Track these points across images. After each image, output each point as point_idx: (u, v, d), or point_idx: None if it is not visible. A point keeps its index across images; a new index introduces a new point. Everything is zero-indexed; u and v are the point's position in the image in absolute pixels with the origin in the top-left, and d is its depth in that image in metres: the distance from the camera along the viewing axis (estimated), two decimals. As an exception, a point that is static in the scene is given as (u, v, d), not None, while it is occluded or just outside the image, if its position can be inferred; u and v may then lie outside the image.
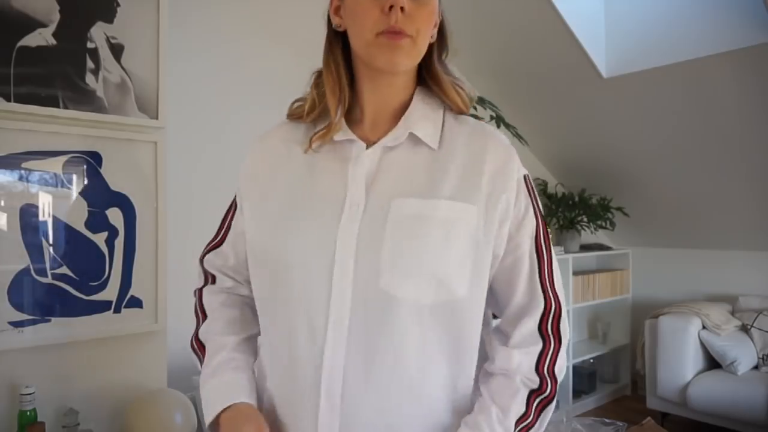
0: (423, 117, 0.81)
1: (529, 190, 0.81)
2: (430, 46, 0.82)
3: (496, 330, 0.84)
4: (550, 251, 0.82)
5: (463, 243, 0.74)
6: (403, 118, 0.80)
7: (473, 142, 0.81)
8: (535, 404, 0.76)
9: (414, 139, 0.79)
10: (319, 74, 0.85)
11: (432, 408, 0.76)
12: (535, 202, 0.82)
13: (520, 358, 0.77)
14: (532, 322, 0.78)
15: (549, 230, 3.28)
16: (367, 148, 0.79)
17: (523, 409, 0.75)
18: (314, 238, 0.75)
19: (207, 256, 0.97)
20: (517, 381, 0.76)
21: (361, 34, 0.76)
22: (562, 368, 0.79)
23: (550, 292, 0.80)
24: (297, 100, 0.89)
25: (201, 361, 0.89)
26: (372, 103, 0.81)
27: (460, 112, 0.84)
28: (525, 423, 0.75)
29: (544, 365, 0.76)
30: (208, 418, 0.79)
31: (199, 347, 0.90)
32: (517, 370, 0.76)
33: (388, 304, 0.72)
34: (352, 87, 0.82)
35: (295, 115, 0.87)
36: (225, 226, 0.95)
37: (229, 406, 0.78)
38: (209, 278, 0.97)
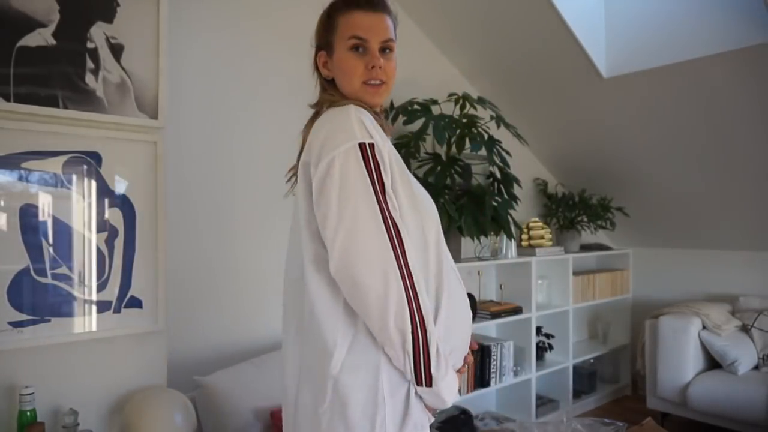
0: None
1: None
2: None
3: None
4: None
5: None
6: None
7: None
8: None
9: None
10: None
11: None
12: None
13: None
14: None
15: (550, 230, 3.28)
16: None
17: None
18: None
19: (411, 263, 0.96)
20: None
21: (351, 83, 1.07)
22: None
23: None
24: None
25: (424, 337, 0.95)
26: None
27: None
28: None
29: None
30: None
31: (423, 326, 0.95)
32: None
33: None
34: None
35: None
36: (391, 217, 0.97)
37: None
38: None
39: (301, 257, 1.01)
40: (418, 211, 1.03)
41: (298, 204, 1.03)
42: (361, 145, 0.96)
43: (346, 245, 0.92)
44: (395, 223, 0.95)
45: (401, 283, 0.91)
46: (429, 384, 0.94)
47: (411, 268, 0.94)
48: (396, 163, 1.02)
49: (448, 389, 0.97)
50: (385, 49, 1.07)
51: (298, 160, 1.09)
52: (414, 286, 0.93)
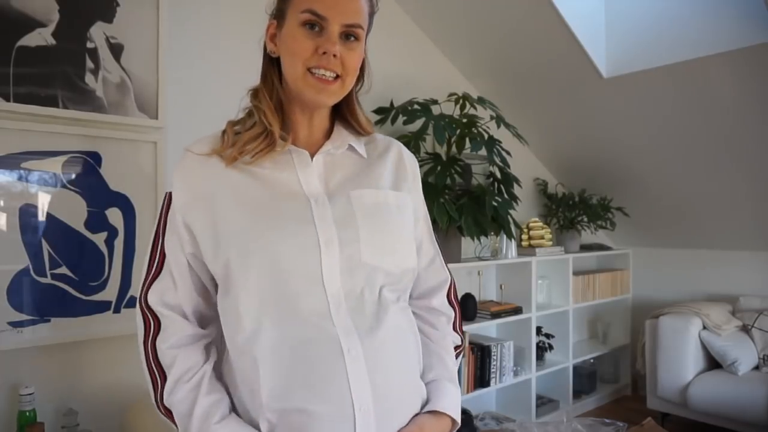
0: (349, 136, 0.95)
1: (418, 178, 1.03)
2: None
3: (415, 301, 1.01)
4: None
5: (409, 224, 0.95)
6: (335, 133, 0.94)
7: (388, 150, 0.99)
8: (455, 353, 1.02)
9: (350, 149, 0.95)
10: (254, 93, 0.94)
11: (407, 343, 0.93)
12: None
13: (449, 325, 1.01)
14: (443, 295, 1.01)
15: (550, 230, 3.28)
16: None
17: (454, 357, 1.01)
18: (296, 231, 0.83)
19: (152, 292, 0.95)
20: (449, 341, 1.00)
21: (293, 67, 0.85)
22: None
23: (448, 268, 1.04)
24: (236, 123, 0.96)
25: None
26: (304, 125, 0.92)
27: (366, 134, 0.99)
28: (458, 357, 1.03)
29: (456, 327, 1.03)
30: None
31: (167, 413, 0.90)
32: (449, 333, 1.00)
33: (373, 272, 0.85)
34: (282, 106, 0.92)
35: (245, 139, 0.91)
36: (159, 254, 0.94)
37: None
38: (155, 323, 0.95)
39: None
40: (247, 257, 0.82)
41: None
42: (166, 194, 0.97)
43: None
44: (158, 269, 0.93)
45: (142, 342, 0.95)
46: None
47: (161, 322, 0.93)
48: (222, 202, 0.86)
49: None
50: (350, 35, 0.86)
51: None
52: (153, 347, 0.95)
